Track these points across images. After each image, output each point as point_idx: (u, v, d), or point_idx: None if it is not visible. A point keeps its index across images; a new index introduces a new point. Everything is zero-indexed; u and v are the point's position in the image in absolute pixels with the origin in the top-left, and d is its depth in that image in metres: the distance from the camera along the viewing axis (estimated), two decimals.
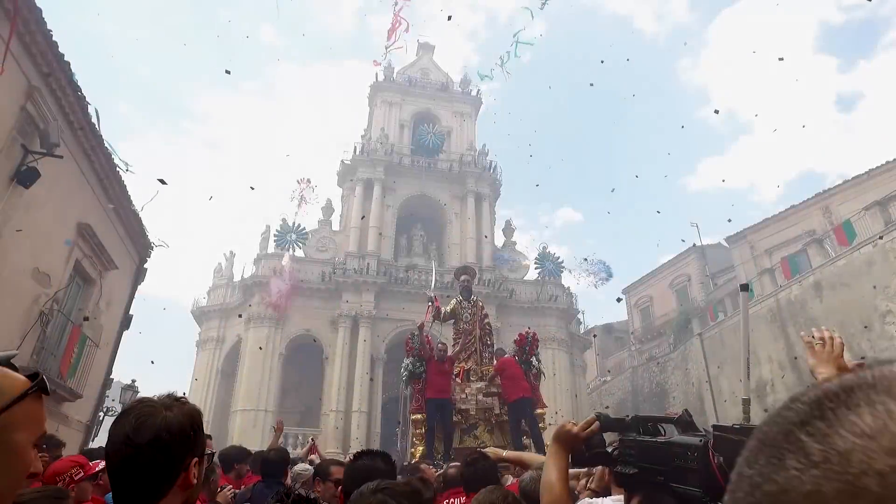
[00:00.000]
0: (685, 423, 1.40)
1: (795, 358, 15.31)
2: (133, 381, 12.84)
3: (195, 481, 1.11)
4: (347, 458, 6.13)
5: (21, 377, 0.82)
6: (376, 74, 29.39)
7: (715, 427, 1.14)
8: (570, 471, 3.17)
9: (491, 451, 3.50)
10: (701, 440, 1.17)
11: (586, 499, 3.12)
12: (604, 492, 3.25)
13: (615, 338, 36.15)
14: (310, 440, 7.68)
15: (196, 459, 1.12)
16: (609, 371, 32.16)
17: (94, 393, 11.90)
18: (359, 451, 2.25)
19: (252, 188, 23.40)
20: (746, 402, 1.90)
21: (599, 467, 3.46)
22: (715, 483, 1.07)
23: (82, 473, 2.94)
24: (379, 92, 29.16)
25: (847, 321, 14.53)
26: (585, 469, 3.51)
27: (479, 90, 30.26)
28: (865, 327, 13.92)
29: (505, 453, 3.53)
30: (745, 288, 2.32)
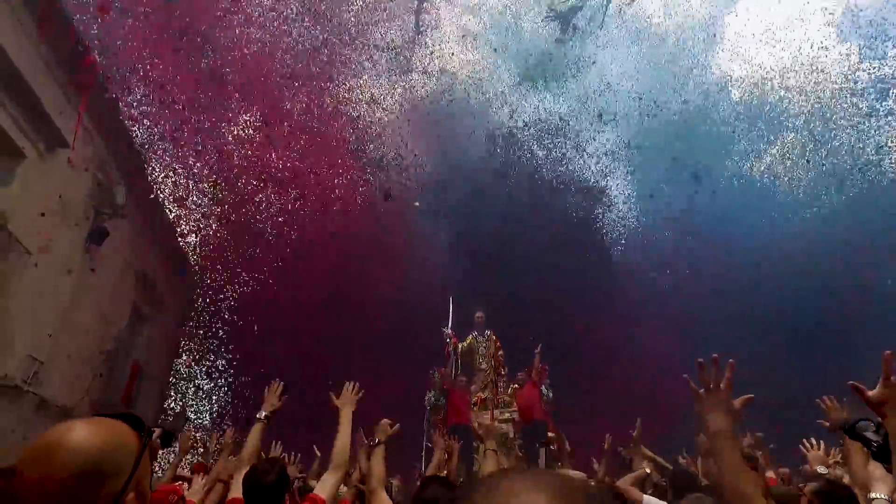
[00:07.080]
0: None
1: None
2: (183, 407, 13.88)
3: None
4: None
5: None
6: None
7: None
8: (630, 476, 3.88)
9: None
10: None
11: (647, 497, 3.62)
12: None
13: None
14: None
15: (287, 494, 2.40)
16: None
17: (149, 421, 12.91)
18: (426, 477, 2.05)
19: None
20: None
21: (643, 471, 4.16)
22: None
23: (176, 497, 3.63)
24: None
25: None
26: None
27: None
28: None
29: None
30: None
